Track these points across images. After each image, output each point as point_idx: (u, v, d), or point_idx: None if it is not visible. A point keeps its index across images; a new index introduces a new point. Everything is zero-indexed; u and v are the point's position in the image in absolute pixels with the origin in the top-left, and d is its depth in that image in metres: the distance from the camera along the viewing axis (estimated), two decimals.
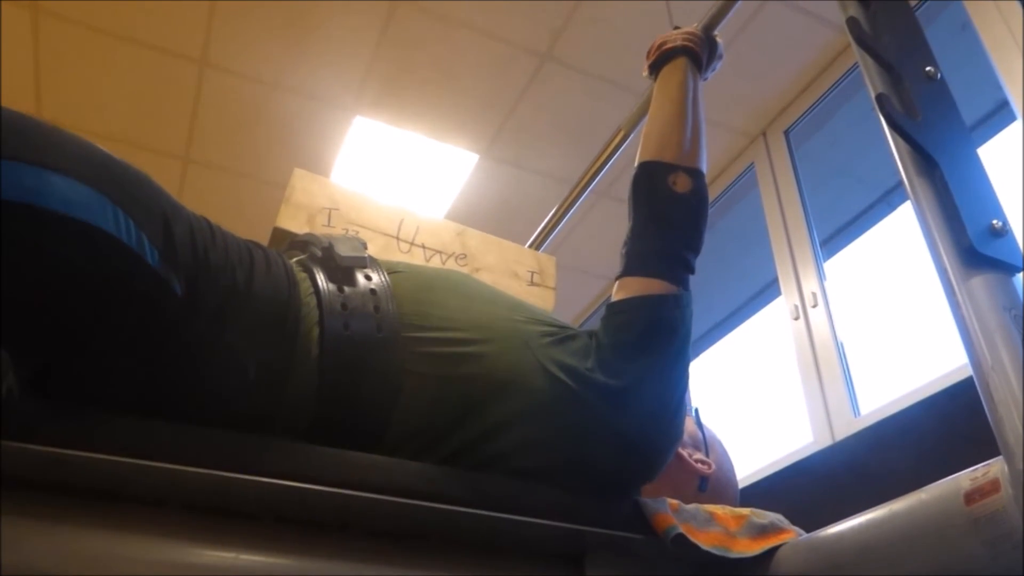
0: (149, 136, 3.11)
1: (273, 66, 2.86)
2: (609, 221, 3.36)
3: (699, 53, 1.18)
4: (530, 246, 1.80)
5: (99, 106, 2.98)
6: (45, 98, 2.94)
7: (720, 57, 1.29)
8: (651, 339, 0.93)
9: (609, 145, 1.67)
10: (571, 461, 0.88)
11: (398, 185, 3.32)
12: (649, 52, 1.23)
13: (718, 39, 1.26)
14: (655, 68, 1.20)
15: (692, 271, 1.00)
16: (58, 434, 0.66)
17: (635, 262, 0.99)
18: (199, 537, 0.69)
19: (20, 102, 2.92)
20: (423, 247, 1.44)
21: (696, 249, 1.01)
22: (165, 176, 3.23)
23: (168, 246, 0.76)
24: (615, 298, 0.98)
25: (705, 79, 1.27)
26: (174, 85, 2.91)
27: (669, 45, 1.19)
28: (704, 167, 1.06)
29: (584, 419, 0.88)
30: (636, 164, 1.07)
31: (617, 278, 1.00)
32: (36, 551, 0.63)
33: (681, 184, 1.02)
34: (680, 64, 1.16)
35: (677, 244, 0.99)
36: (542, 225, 1.88)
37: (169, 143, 3.14)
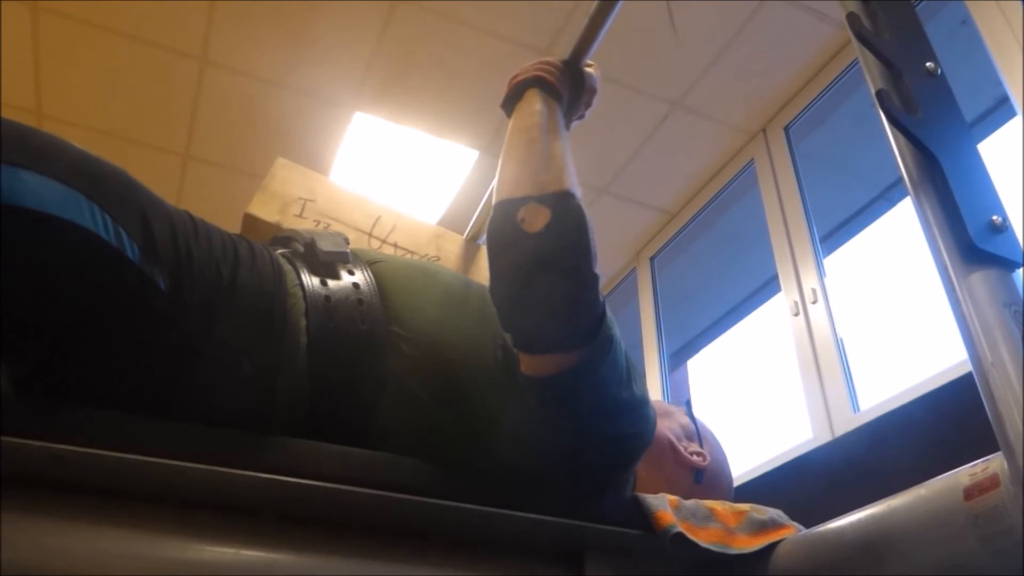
0: (149, 133, 3.11)
1: (273, 63, 2.85)
2: (609, 220, 3.36)
3: (553, 83, 1.04)
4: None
5: (99, 103, 2.98)
6: (45, 95, 2.94)
7: (593, 91, 1.16)
8: (569, 411, 0.85)
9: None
10: (551, 457, 0.87)
11: (398, 181, 3.32)
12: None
13: (589, 70, 1.15)
14: (507, 105, 1.05)
15: (587, 316, 0.82)
16: (56, 431, 0.66)
17: (523, 340, 0.84)
18: (199, 533, 0.70)
19: (20, 99, 2.92)
20: (395, 246, 1.43)
21: (580, 289, 0.82)
22: (165, 173, 3.23)
23: (148, 241, 0.76)
24: (521, 369, 0.85)
25: (582, 117, 1.17)
26: (174, 82, 2.91)
27: (520, 78, 1.05)
28: (569, 186, 0.87)
29: (536, 423, 0.86)
30: None
31: (512, 344, 0.85)
32: (35, 548, 0.63)
33: (532, 220, 0.83)
34: (530, 96, 1.02)
35: (553, 300, 0.81)
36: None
37: (169, 140, 3.14)
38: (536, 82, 1.04)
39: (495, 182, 0.95)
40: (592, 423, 0.86)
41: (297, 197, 1.37)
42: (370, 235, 1.42)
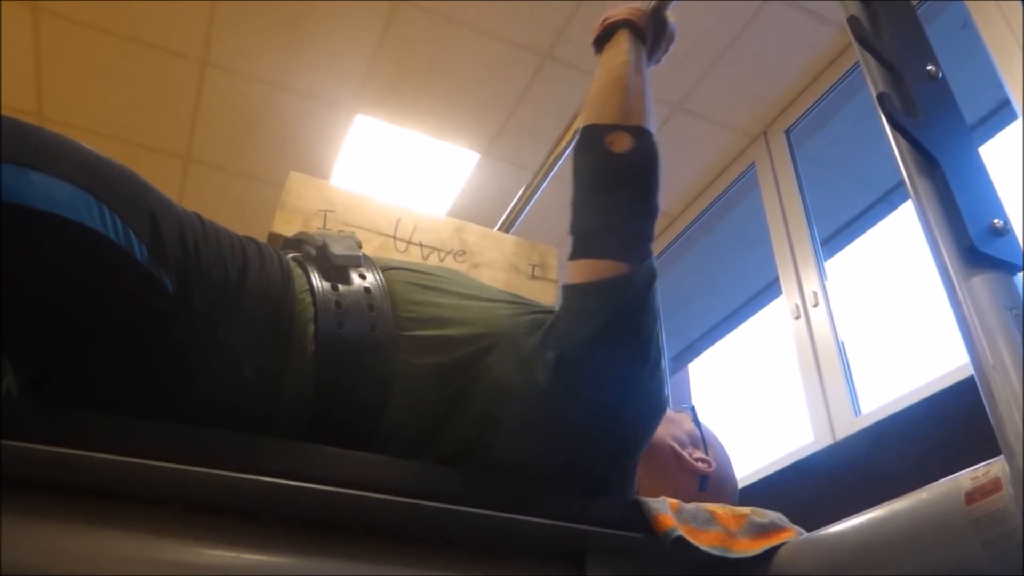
0: (150, 135, 3.11)
1: (274, 65, 2.85)
2: None
3: (641, 27, 1.16)
4: (498, 229, 1.78)
5: (100, 105, 2.98)
6: (46, 98, 2.94)
7: (671, 38, 1.26)
8: (607, 329, 0.88)
9: (569, 128, 1.63)
10: (561, 458, 0.88)
11: (399, 184, 3.32)
12: (595, 29, 1.22)
13: (670, 19, 1.24)
14: (599, 43, 1.18)
15: (646, 238, 0.95)
16: (58, 434, 0.66)
17: (581, 243, 0.94)
18: (200, 536, 0.69)
19: (20, 101, 2.92)
20: (420, 245, 1.44)
21: (646, 213, 0.96)
22: (166, 175, 3.23)
23: (157, 243, 0.76)
24: (568, 282, 0.93)
25: (658, 61, 1.26)
26: (175, 84, 2.91)
27: (611, 19, 1.18)
28: (650, 126, 1.01)
29: (560, 417, 0.87)
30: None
31: (568, 259, 0.95)
32: (36, 551, 0.63)
33: (619, 143, 0.97)
34: (621, 36, 1.15)
35: (622, 214, 0.94)
36: (508, 210, 1.83)
37: (170, 142, 3.14)
38: (627, 24, 1.16)
39: (583, 109, 1.08)
40: (623, 350, 0.89)
41: (317, 209, 1.37)
42: (395, 238, 1.42)
